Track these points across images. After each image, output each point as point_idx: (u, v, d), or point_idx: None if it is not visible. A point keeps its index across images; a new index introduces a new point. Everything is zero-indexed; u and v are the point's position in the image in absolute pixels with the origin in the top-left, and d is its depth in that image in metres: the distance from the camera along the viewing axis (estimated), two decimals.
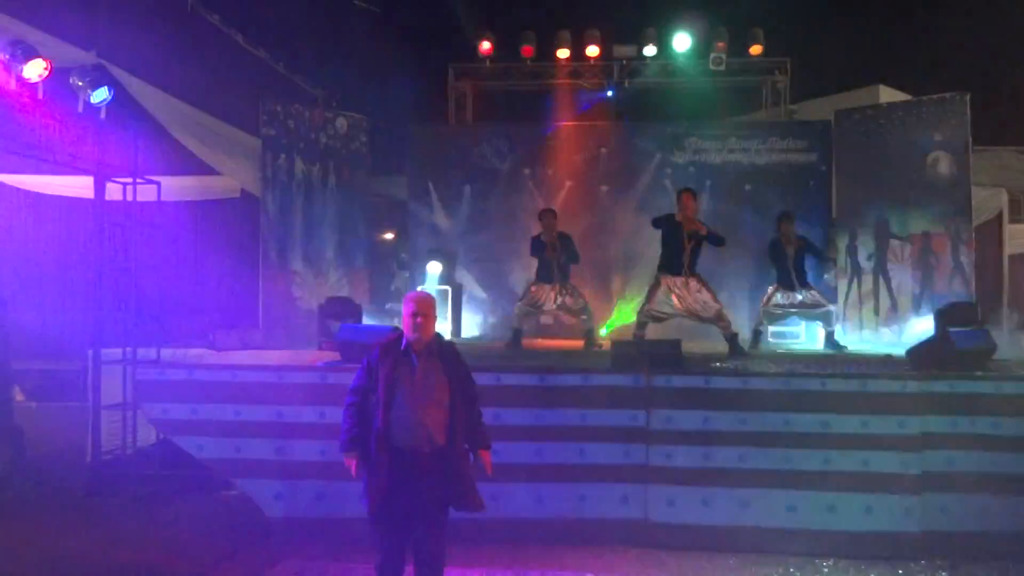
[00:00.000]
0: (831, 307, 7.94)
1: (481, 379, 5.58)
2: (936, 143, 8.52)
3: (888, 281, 8.84)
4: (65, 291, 8.26)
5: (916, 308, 8.66)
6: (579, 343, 8.19)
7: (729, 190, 9.97)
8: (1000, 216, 10.87)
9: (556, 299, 7.94)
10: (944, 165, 8.49)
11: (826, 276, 9.30)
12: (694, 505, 5.27)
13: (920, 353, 5.61)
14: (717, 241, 7.20)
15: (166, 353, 6.42)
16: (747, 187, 10.02)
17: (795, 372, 5.57)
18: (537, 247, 7.94)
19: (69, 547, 5.05)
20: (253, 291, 8.94)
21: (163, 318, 6.83)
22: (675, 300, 7.16)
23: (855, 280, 9.09)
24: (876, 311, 8.92)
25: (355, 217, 9.71)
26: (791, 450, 5.23)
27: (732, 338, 7.12)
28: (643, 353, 5.63)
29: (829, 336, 7.91)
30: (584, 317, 8.12)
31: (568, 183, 10.35)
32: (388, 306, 9.80)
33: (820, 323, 8.10)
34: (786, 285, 7.87)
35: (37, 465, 6.59)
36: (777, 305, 7.91)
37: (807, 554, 4.97)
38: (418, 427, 3.67)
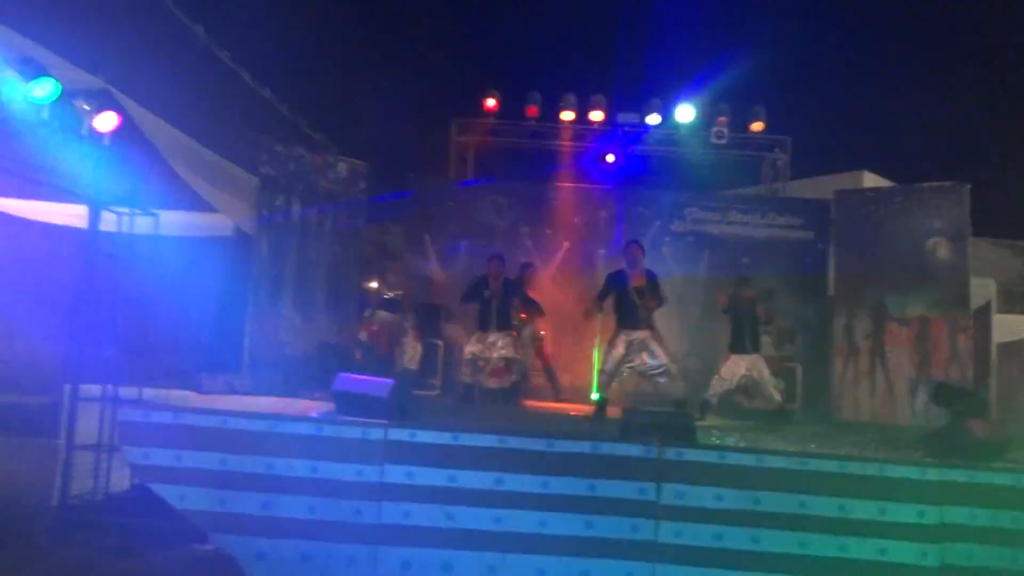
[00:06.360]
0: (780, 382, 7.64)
1: (483, 440, 5.39)
2: (935, 230, 8.65)
3: (885, 363, 8.81)
4: (42, 321, 7.85)
5: (912, 392, 8.62)
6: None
7: (726, 262, 9.98)
8: (988, 306, 11.00)
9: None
10: (943, 252, 8.59)
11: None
12: None
13: (936, 441, 5.49)
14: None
15: (148, 394, 6.06)
16: (744, 260, 10.05)
17: (811, 452, 5.40)
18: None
19: None
20: (239, 333, 8.62)
21: (147, 356, 6.48)
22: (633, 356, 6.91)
23: (851, 359, 9.05)
24: (872, 392, 8.86)
25: (348, 264, 9.50)
26: (807, 534, 5.02)
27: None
28: (654, 423, 5.43)
29: (777, 412, 7.56)
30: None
31: (566, 244, 10.30)
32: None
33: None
34: (740, 349, 7.60)
35: None
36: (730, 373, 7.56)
37: None
38: None
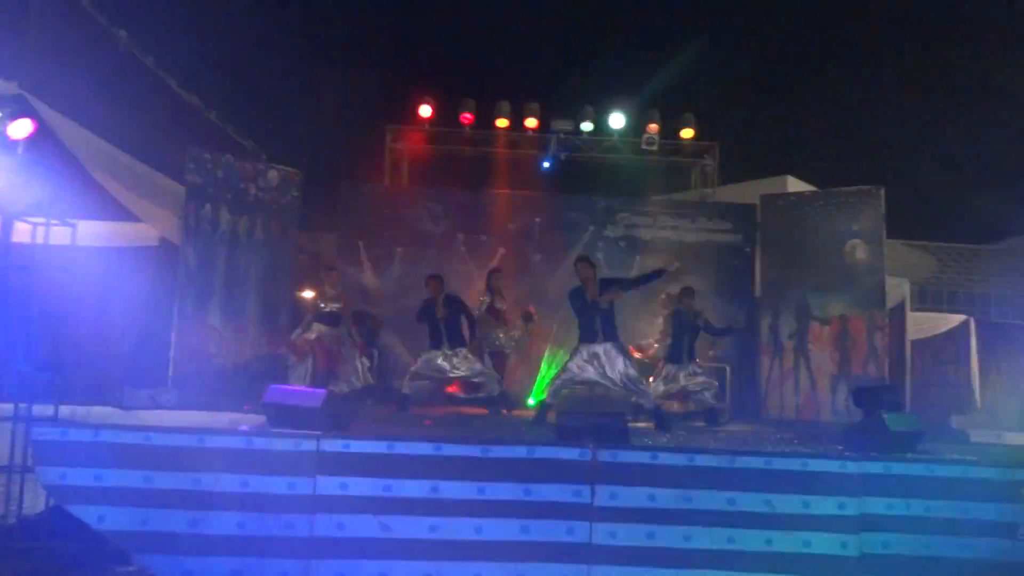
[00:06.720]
0: (714, 383, 7.89)
1: (419, 448, 5.35)
2: (853, 232, 9.03)
3: (808, 361, 9.15)
4: None
5: (833, 388, 8.97)
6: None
7: (658, 266, 10.16)
8: (903, 304, 11.53)
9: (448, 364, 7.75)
10: (861, 253, 8.98)
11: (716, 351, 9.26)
12: None
13: (855, 435, 5.73)
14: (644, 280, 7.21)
15: (65, 411, 5.81)
16: (674, 264, 10.25)
17: (739, 449, 5.56)
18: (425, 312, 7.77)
19: None
20: (164, 345, 8.34)
21: (65, 372, 6.20)
22: (592, 368, 6.97)
23: (777, 358, 9.36)
24: (796, 389, 9.18)
25: (280, 273, 9.32)
26: (735, 529, 5.15)
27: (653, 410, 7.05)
28: (589, 426, 5.50)
29: (710, 412, 7.82)
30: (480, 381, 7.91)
31: (501, 250, 10.34)
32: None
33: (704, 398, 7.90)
34: (677, 360, 7.80)
35: None
36: (669, 382, 7.74)
37: None
38: None
